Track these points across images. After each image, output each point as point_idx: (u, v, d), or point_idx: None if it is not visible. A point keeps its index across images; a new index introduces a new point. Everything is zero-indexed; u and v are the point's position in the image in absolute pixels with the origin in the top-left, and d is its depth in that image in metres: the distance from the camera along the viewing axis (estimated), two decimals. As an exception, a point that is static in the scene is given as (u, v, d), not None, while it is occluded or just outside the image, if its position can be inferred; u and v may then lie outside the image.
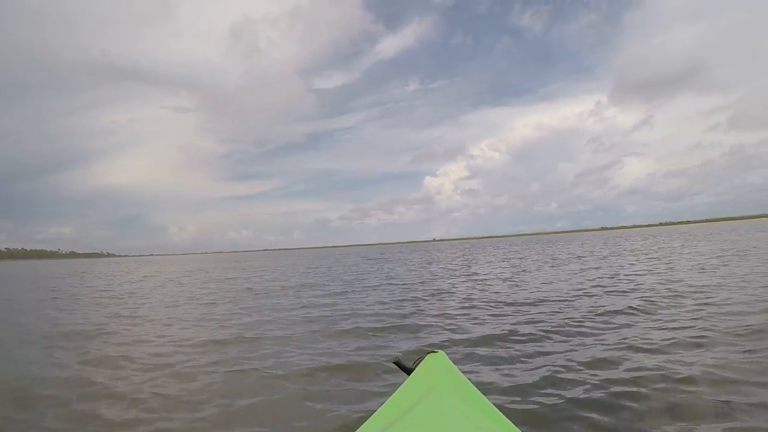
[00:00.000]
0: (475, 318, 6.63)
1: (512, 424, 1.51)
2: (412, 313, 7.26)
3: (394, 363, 2.25)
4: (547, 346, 4.81)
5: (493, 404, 1.68)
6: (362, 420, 1.59)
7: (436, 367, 2.01)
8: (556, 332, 5.36)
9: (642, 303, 6.79)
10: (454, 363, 2.11)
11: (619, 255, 18.84)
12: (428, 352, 2.15)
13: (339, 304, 8.69)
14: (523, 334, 5.34)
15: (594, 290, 8.59)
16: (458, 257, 27.78)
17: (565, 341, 4.95)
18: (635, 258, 16.35)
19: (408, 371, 2.09)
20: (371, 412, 1.65)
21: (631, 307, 6.48)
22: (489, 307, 7.43)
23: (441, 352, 2.15)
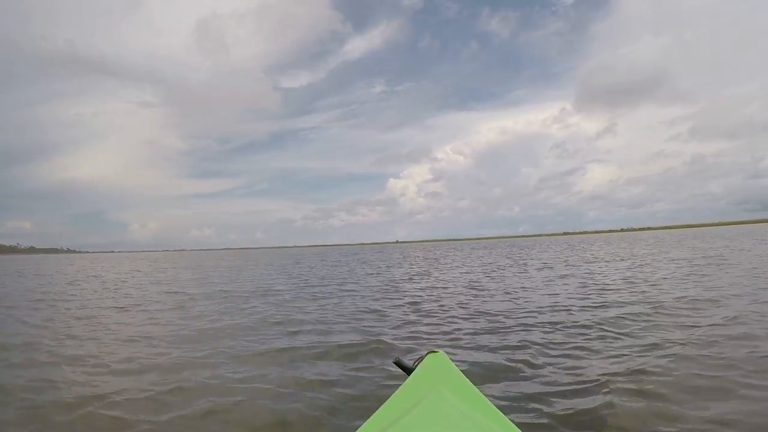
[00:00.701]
0: (452, 340, 5.27)
1: (512, 424, 1.53)
2: (374, 340, 5.41)
3: (394, 363, 2.26)
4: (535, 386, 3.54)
5: (494, 404, 1.67)
6: (363, 420, 1.57)
7: (436, 366, 2.02)
8: (547, 366, 4.04)
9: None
10: (454, 362, 2.09)
11: (605, 262, 17.53)
12: (428, 352, 2.16)
13: (294, 324, 6.80)
14: (507, 367, 4.08)
15: (583, 308, 7.08)
16: (423, 261, 26.53)
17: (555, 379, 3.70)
18: (623, 266, 15.01)
19: (408, 371, 2.10)
20: (371, 413, 1.62)
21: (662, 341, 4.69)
22: (463, 328, 5.93)
23: (441, 352, 2.15)
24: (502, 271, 14.98)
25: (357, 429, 1.49)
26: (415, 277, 14.38)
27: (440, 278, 13.73)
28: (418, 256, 34.17)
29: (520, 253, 29.97)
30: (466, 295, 9.23)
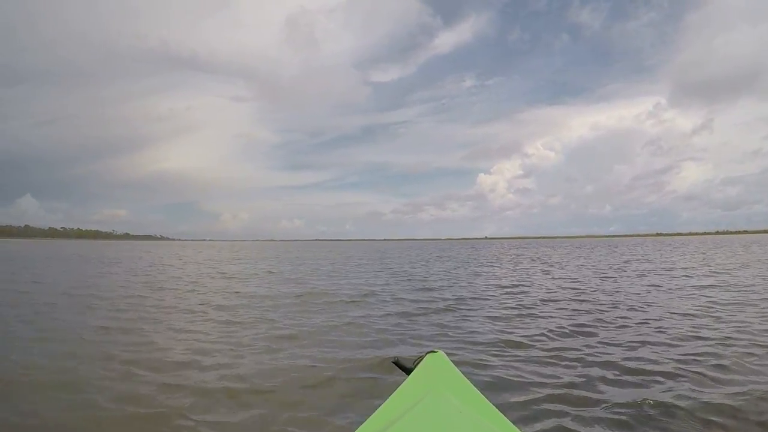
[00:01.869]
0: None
1: (512, 424, 1.53)
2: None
3: (393, 363, 2.24)
4: None
5: (493, 404, 1.67)
6: (362, 420, 1.55)
7: (436, 366, 2.02)
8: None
9: None
10: (453, 363, 2.10)
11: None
12: (428, 352, 2.15)
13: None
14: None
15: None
16: (532, 260, 24.36)
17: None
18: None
19: (408, 371, 2.09)
20: (372, 412, 1.61)
21: None
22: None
23: (440, 352, 2.15)
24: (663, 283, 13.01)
25: (356, 429, 1.50)
26: (545, 288, 11.61)
27: (584, 293, 10.92)
28: (522, 254, 31.93)
29: (631, 255, 27.19)
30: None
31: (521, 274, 15.80)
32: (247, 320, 7.36)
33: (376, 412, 1.63)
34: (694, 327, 6.25)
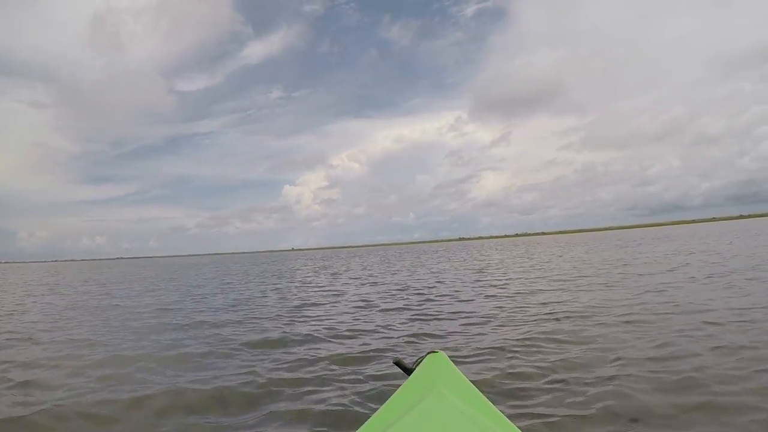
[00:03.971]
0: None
1: (512, 424, 1.53)
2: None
3: (394, 363, 2.27)
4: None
5: (493, 404, 1.67)
6: (363, 420, 1.55)
7: (436, 367, 2.01)
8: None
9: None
10: (455, 363, 2.07)
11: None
12: (428, 352, 2.15)
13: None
14: None
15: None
16: (345, 271, 22.71)
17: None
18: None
19: (408, 371, 2.11)
20: (372, 412, 1.61)
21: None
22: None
23: (441, 352, 2.14)
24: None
25: (357, 429, 1.50)
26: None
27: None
28: (335, 266, 30.17)
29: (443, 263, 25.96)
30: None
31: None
32: None
33: (377, 412, 1.63)
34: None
